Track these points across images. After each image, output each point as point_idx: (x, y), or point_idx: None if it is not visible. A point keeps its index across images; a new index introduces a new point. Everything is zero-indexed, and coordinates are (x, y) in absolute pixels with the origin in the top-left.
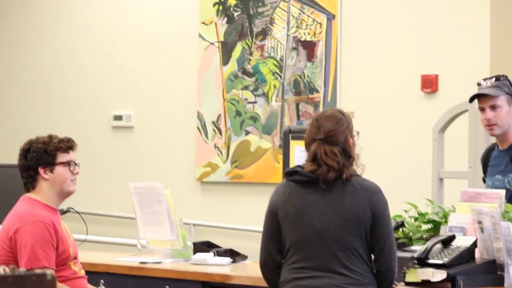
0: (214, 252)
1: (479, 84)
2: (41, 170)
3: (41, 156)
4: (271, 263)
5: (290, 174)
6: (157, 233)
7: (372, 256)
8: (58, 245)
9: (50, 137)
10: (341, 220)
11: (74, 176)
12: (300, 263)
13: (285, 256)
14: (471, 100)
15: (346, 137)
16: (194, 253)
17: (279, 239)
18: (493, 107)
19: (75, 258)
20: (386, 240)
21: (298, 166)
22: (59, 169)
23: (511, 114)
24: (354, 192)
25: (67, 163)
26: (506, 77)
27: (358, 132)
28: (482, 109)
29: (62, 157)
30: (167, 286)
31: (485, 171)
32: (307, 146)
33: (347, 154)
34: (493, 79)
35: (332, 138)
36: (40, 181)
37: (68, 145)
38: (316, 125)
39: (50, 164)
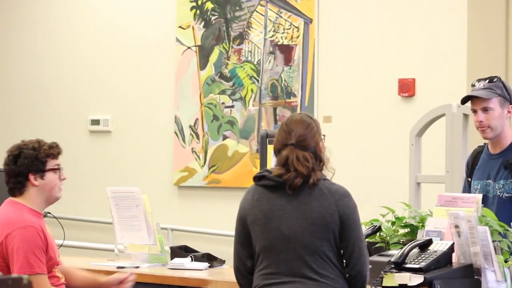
0: (191, 257)
1: (473, 85)
2: (31, 177)
3: (32, 162)
4: (243, 268)
5: (258, 178)
6: (134, 237)
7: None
8: (47, 251)
9: (39, 142)
10: (308, 224)
11: (61, 182)
12: (270, 269)
13: (256, 261)
14: (463, 102)
15: (317, 141)
16: (172, 257)
17: (250, 245)
18: (485, 110)
19: (57, 264)
20: (355, 244)
21: (266, 170)
22: (49, 176)
23: (504, 117)
24: (321, 196)
25: (57, 169)
26: (500, 78)
27: (324, 135)
28: (474, 111)
29: (51, 163)
30: None
31: (471, 173)
32: (277, 152)
33: (318, 159)
34: (487, 80)
35: (303, 143)
36: (29, 187)
37: (57, 151)
38: (286, 130)
39: (41, 170)
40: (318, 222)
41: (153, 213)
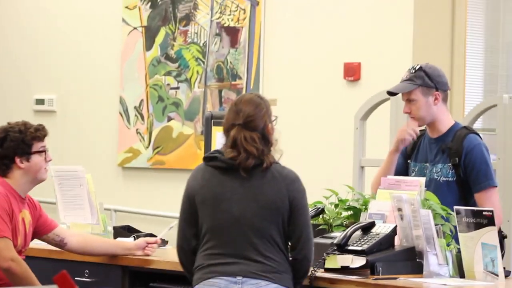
0: (134, 237)
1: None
2: (17, 160)
3: (18, 145)
4: (187, 247)
5: (209, 159)
6: (77, 217)
7: (289, 244)
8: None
9: (25, 124)
10: (259, 207)
11: (47, 164)
12: (216, 249)
13: (201, 241)
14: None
15: (265, 122)
16: (114, 237)
17: (196, 224)
18: (409, 101)
19: (20, 251)
20: (303, 228)
21: (217, 151)
22: (34, 158)
23: (431, 104)
24: (273, 180)
25: (43, 152)
26: (421, 67)
27: (276, 117)
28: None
29: (37, 146)
30: (87, 270)
31: (409, 155)
32: (226, 132)
33: (266, 140)
34: (410, 70)
35: (251, 124)
36: (15, 170)
37: (43, 133)
38: (235, 110)
39: (27, 153)
40: (269, 206)
41: (97, 194)
